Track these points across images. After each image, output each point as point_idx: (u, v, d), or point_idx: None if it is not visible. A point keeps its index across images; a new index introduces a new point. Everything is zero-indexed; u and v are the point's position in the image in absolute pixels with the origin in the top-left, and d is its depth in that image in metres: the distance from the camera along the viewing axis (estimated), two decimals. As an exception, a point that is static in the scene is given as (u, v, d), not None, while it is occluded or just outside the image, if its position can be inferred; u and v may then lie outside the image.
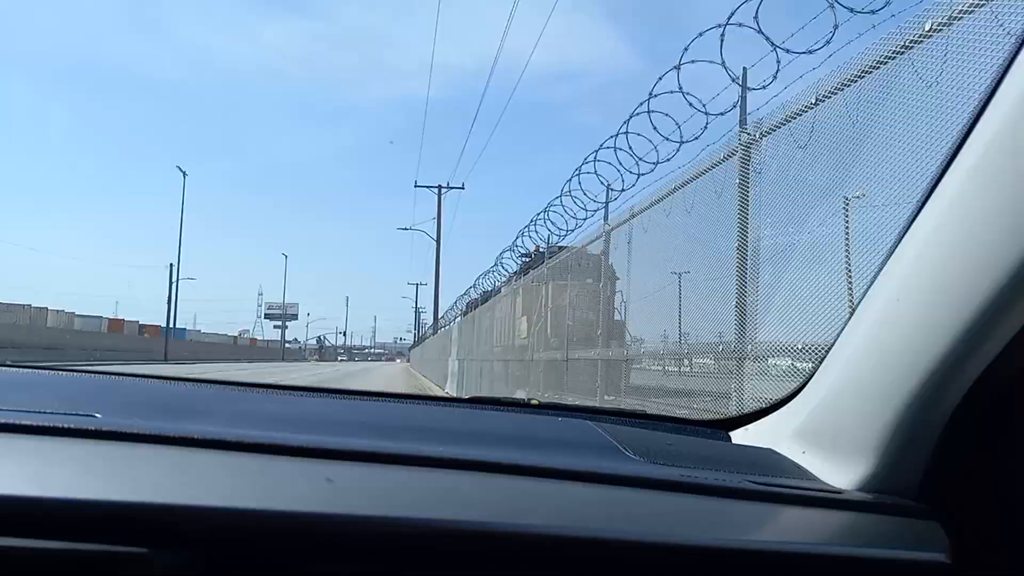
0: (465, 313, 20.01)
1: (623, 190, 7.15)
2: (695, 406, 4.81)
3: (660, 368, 6.43)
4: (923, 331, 0.83)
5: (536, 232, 11.01)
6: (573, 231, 9.42)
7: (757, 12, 3.79)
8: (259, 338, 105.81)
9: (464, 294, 20.98)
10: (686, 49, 4.45)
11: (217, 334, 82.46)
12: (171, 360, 45.66)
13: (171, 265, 52.24)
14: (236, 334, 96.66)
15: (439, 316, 35.11)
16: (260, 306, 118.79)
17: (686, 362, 5.64)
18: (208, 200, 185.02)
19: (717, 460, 1.08)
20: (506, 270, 14.48)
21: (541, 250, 11.00)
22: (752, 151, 3.87)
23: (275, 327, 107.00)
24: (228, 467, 0.86)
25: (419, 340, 52.47)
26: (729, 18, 3.94)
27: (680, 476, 0.94)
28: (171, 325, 54.32)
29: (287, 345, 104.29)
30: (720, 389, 4.36)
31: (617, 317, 7.26)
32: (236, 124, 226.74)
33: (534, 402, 1.47)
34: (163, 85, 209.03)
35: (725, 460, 1.09)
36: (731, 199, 4.02)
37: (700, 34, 4.33)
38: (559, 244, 10.07)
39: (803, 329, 3.18)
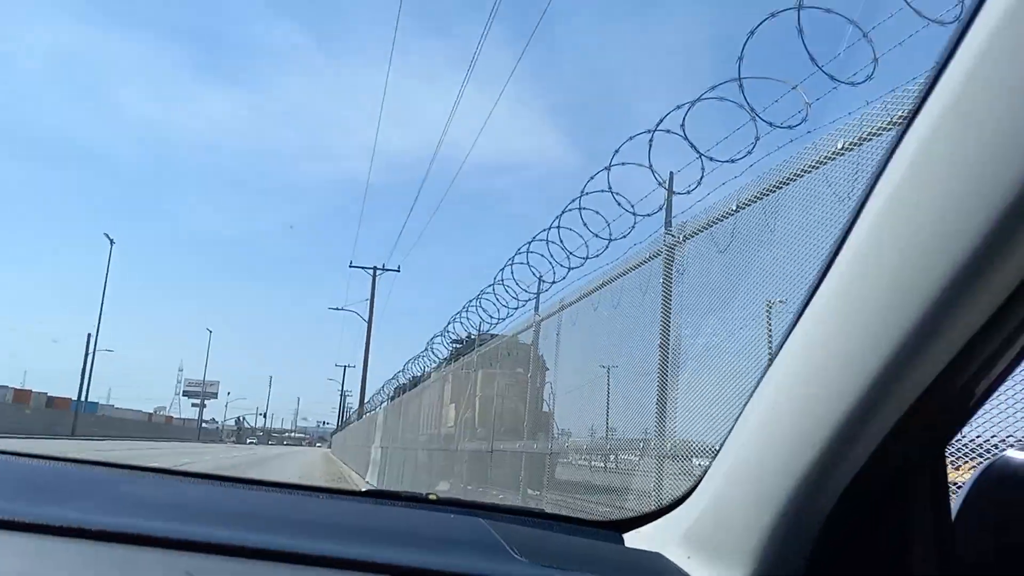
0: (392, 398, 19.65)
1: (554, 282, 7.24)
2: (616, 504, 4.76)
3: (587, 463, 6.37)
4: (796, 436, 0.84)
5: (468, 319, 11.02)
6: (504, 320, 9.46)
7: (684, 121, 3.97)
8: (176, 416, 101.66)
9: (392, 378, 20.65)
10: (616, 151, 4.62)
11: (131, 410, 78.83)
12: (78, 436, 43.25)
13: (88, 336, 50.29)
14: (151, 411, 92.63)
15: (365, 400, 34.41)
16: (179, 383, 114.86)
17: (612, 457, 5.62)
18: (134, 271, 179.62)
19: (602, 563, 1.07)
20: (436, 356, 14.36)
21: (472, 337, 10.97)
22: (676, 252, 3.99)
23: (193, 405, 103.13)
24: (84, 557, 0.81)
25: (343, 425, 51.09)
26: (658, 125, 4.12)
27: None
28: (82, 399, 51.81)
29: (204, 425, 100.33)
30: (641, 487, 4.34)
31: (545, 408, 7.23)
32: (169, 194, 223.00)
33: (432, 497, 1.44)
34: (93, 151, 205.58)
35: (610, 564, 1.08)
36: (655, 298, 4.10)
37: (631, 137, 4.51)
38: (490, 332, 10.08)
39: (722, 430, 3.21)
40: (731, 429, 1.01)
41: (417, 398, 15.09)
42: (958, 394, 0.74)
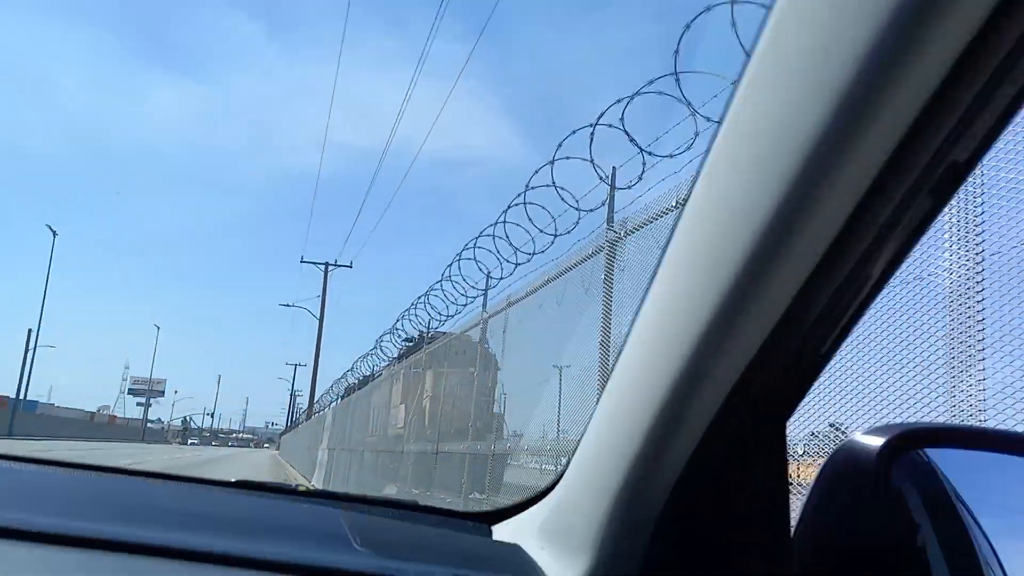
0: (341, 398, 19.34)
1: (501, 278, 7.14)
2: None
3: (537, 466, 6.26)
4: (629, 423, 0.85)
5: (417, 316, 10.83)
6: (454, 316, 9.32)
7: (623, 115, 3.89)
8: (120, 415, 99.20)
9: (341, 378, 20.32)
10: (560, 145, 4.52)
11: (73, 409, 76.63)
12: (15, 436, 41.87)
13: (29, 331, 48.71)
14: (95, 410, 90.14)
15: (315, 400, 33.84)
16: (125, 380, 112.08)
17: (563, 459, 5.52)
18: (78, 265, 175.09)
19: (453, 553, 1.08)
20: (386, 354, 14.13)
21: (422, 335, 10.80)
22: (617, 248, 3.91)
23: (138, 404, 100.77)
24: None
25: (292, 426, 50.25)
26: (598, 119, 4.03)
27: (382, 569, 0.93)
28: (21, 397, 50.18)
29: (150, 425, 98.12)
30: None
31: (496, 409, 7.11)
32: (112, 189, 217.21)
33: (301, 488, 1.47)
34: (37, 145, 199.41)
35: (462, 554, 1.09)
36: (597, 294, 4.02)
37: (574, 131, 4.42)
38: (439, 329, 9.92)
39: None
40: (589, 419, 1.01)
41: (366, 398, 14.86)
42: (787, 367, 0.76)
